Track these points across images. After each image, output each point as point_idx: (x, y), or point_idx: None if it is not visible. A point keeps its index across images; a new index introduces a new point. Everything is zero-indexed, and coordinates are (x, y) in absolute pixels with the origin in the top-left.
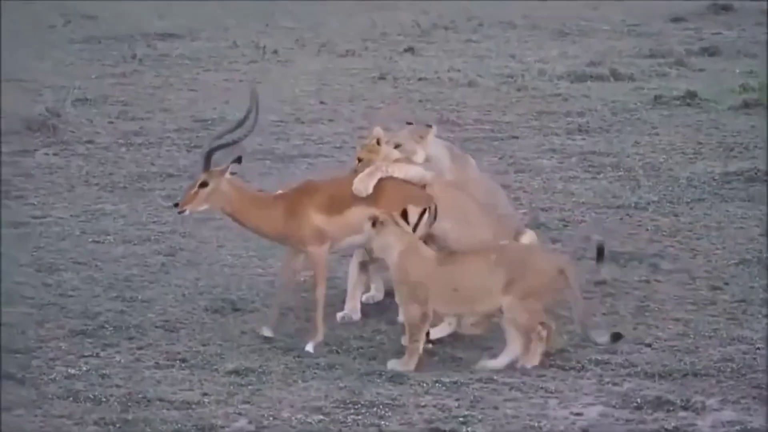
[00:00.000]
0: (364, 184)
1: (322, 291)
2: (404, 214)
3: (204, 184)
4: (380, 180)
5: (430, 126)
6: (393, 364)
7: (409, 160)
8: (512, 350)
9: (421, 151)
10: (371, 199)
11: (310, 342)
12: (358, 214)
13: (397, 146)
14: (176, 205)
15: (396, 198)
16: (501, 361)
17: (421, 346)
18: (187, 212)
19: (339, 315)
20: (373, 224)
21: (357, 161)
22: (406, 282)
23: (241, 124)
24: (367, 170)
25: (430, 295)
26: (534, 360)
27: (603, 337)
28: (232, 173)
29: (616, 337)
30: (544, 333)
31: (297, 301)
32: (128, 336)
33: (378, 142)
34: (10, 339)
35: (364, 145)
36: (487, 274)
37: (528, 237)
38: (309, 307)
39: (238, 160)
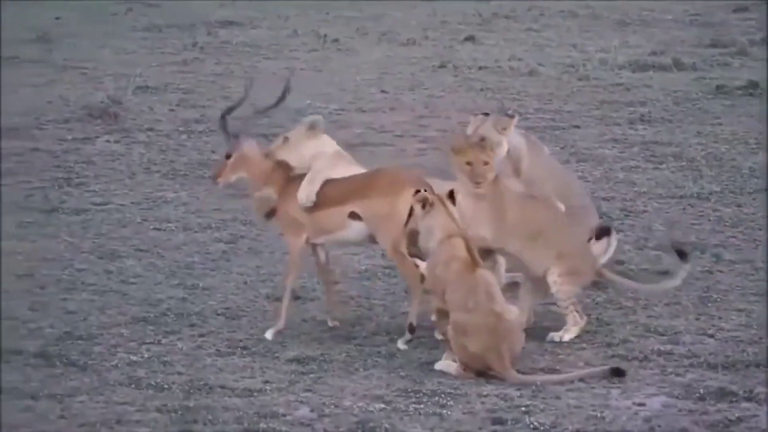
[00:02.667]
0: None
1: (291, 280)
2: (451, 195)
3: (228, 156)
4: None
5: (512, 116)
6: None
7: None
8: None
9: (504, 143)
10: (358, 194)
11: (270, 329)
12: (336, 213)
13: (482, 139)
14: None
15: (385, 187)
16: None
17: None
18: (220, 184)
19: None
20: (423, 206)
21: (466, 165)
22: (432, 273)
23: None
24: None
25: (447, 294)
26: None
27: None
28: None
29: (682, 254)
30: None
31: (359, 289)
32: (190, 323)
33: (482, 140)
34: (73, 325)
35: (465, 146)
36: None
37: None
38: (370, 295)
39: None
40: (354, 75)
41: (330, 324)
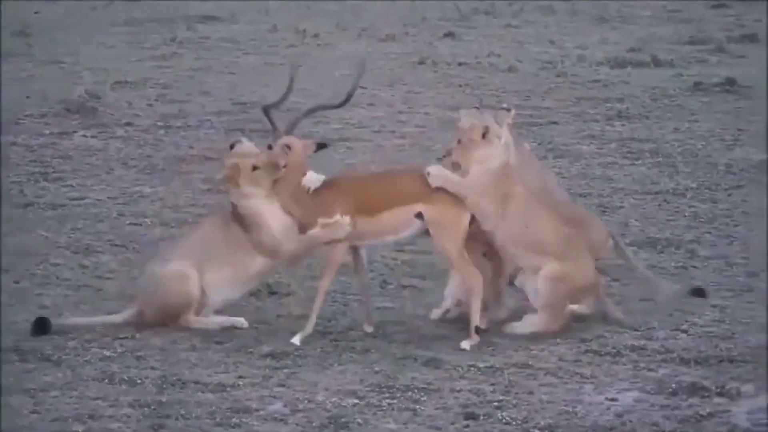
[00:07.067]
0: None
1: (327, 285)
2: None
3: (270, 147)
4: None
5: (509, 110)
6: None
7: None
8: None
9: (504, 135)
10: (412, 198)
11: (298, 334)
12: (404, 213)
13: (485, 131)
14: None
15: (446, 194)
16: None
17: None
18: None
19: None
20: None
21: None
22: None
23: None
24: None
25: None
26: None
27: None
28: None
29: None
30: None
31: (334, 284)
32: None
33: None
34: None
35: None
36: None
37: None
38: (346, 290)
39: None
40: (333, 70)
41: (367, 330)
